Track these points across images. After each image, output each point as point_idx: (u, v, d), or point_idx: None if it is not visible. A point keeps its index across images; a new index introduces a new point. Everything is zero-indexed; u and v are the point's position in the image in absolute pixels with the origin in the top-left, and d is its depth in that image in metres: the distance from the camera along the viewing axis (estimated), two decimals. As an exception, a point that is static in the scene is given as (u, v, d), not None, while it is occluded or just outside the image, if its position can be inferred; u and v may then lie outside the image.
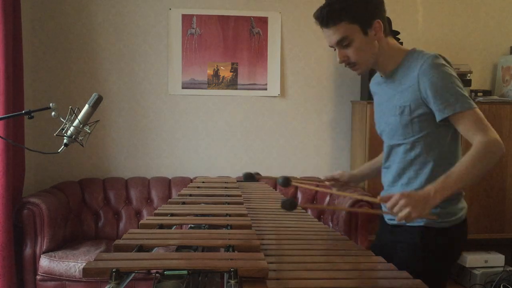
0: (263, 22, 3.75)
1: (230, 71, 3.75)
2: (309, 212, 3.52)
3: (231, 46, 3.74)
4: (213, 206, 1.88)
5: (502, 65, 3.84)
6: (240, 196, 2.11)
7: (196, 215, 1.73)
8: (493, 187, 3.48)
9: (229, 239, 1.36)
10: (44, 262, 3.01)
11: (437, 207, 1.45)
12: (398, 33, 3.14)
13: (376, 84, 1.79)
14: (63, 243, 3.23)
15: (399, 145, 1.64)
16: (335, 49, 1.61)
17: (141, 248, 1.29)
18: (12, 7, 3.06)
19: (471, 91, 3.68)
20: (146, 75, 3.72)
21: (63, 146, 1.80)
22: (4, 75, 2.95)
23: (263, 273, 1.11)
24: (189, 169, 3.77)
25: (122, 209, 3.54)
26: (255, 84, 3.77)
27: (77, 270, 2.97)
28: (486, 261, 3.51)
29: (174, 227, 1.60)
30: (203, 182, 2.52)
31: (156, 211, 1.73)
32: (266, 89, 3.78)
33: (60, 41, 3.64)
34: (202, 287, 1.46)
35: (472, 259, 3.51)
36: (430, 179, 1.55)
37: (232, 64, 3.75)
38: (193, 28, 3.71)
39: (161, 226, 1.55)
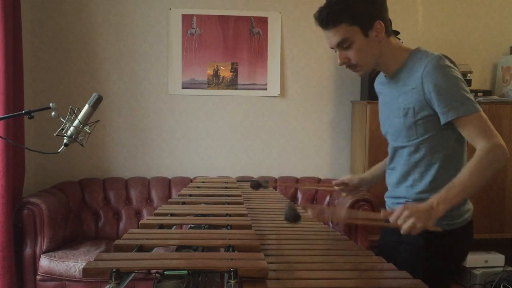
0: (263, 22, 3.75)
1: (230, 71, 3.75)
2: (309, 212, 3.52)
3: (231, 46, 3.74)
4: (213, 206, 1.88)
5: (502, 65, 3.84)
6: (240, 196, 2.11)
7: (196, 215, 1.73)
8: (493, 187, 3.48)
9: (229, 239, 1.36)
10: (44, 262, 3.01)
11: None
12: (398, 33, 3.14)
13: (380, 83, 1.76)
14: (63, 243, 3.23)
15: (403, 147, 1.61)
16: (336, 51, 1.59)
17: (141, 248, 1.29)
18: (12, 7, 3.06)
19: (471, 91, 3.67)
20: (146, 75, 3.72)
21: (63, 146, 1.80)
22: (4, 75, 2.95)
23: (263, 273, 1.11)
24: (189, 169, 3.77)
25: (122, 209, 3.54)
26: (255, 84, 3.77)
27: (77, 270, 2.97)
28: (486, 261, 3.51)
29: (174, 227, 1.60)
30: (203, 182, 2.52)
31: (156, 211, 1.73)
32: (266, 89, 3.78)
33: (60, 41, 3.64)
34: (202, 287, 1.46)
35: (472, 259, 3.51)
36: (435, 181, 1.54)
37: (232, 64, 3.75)
38: (193, 28, 3.71)
39: (161, 226, 1.55)
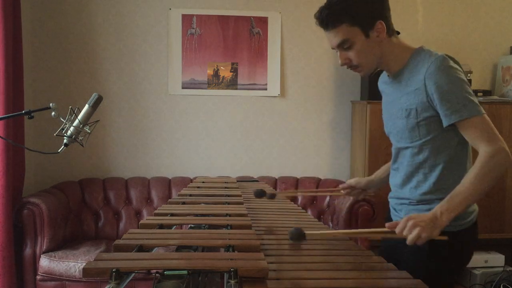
0: (263, 22, 3.75)
1: (230, 71, 3.75)
2: (309, 212, 3.52)
3: (231, 46, 3.74)
4: (213, 206, 1.88)
5: (502, 65, 3.84)
6: (240, 196, 2.10)
7: (196, 215, 1.72)
8: (493, 187, 3.47)
9: (229, 239, 1.36)
10: (44, 262, 3.01)
11: None
12: (398, 33, 3.13)
13: (383, 82, 1.73)
14: (63, 243, 3.23)
15: (406, 148, 1.60)
16: (337, 51, 1.57)
17: (141, 248, 1.29)
18: (12, 7, 3.06)
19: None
20: (146, 75, 3.72)
21: (63, 146, 1.80)
22: (4, 75, 2.95)
23: (263, 273, 1.11)
24: (189, 169, 3.77)
25: (122, 209, 3.54)
26: (255, 84, 3.77)
27: (77, 270, 2.97)
28: (486, 261, 3.51)
29: (174, 227, 1.60)
30: (203, 182, 2.52)
31: (156, 211, 1.73)
32: (266, 89, 3.78)
33: (60, 41, 3.64)
34: (202, 287, 1.46)
35: (472, 259, 3.44)
36: (439, 182, 1.53)
37: (232, 64, 3.75)
38: (193, 28, 3.71)
39: (161, 226, 1.54)
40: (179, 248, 1.41)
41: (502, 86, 3.80)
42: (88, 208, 3.51)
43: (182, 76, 3.73)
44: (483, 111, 1.45)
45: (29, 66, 3.53)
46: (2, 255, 2.94)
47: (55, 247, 3.11)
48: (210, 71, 3.74)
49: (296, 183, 3.72)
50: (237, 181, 2.65)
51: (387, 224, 1.43)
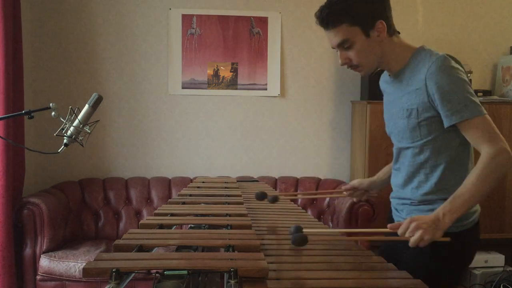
0: (263, 22, 3.75)
1: (230, 71, 3.75)
2: (309, 212, 3.52)
3: (231, 46, 3.74)
4: (213, 206, 1.88)
5: (502, 65, 3.84)
6: (240, 196, 2.10)
7: (196, 215, 1.72)
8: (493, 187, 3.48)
9: (229, 239, 1.36)
10: (44, 262, 3.01)
11: None
12: (398, 33, 3.14)
13: (384, 82, 1.72)
14: (63, 243, 3.23)
15: (407, 148, 1.59)
16: (337, 50, 1.56)
17: (141, 248, 1.29)
18: (12, 7, 3.06)
19: (471, 91, 3.68)
20: (146, 75, 3.72)
21: (63, 146, 1.80)
22: (4, 75, 2.95)
23: (263, 273, 1.11)
24: (189, 169, 3.77)
25: (122, 209, 3.54)
26: (255, 84, 3.77)
27: (77, 270, 2.97)
28: (486, 261, 3.51)
29: (174, 227, 1.60)
30: (203, 182, 2.52)
31: (156, 211, 1.73)
32: (266, 89, 3.78)
33: (60, 41, 3.64)
34: (202, 287, 1.46)
35: None
36: (440, 182, 1.53)
37: (232, 64, 3.75)
38: (193, 28, 3.71)
39: (161, 226, 1.54)
40: (179, 248, 1.41)
41: (502, 86, 3.80)
42: (88, 208, 3.51)
43: (182, 76, 3.73)
44: (485, 111, 1.44)
45: (29, 66, 3.53)
46: (2, 255, 2.94)
47: (55, 247, 3.11)
48: (210, 71, 3.74)
49: (296, 183, 3.72)
50: (237, 181, 2.65)
51: (389, 225, 1.43)
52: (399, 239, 1.40)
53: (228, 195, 2.11)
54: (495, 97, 3.68)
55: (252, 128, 3.81)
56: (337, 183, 3.67)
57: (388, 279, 1.24)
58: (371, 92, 3.45)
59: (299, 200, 3.60)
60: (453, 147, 1.52)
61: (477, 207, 1.60)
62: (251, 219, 1.67)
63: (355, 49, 1.52)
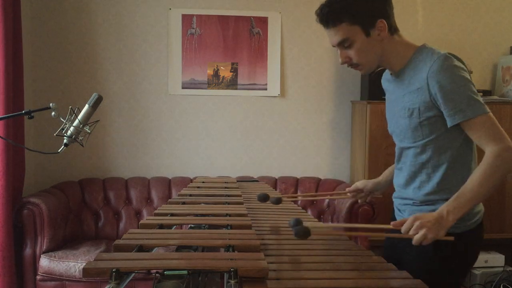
0: (263, 22, 3.75)
1: (230, 71, 3.75)
2: (309, 212, 3.52)
3: (231, 46, 3.74)
4: (213, 206, 1.88)
5: (502, 65, 3.84)
6: (240, 196, 2.10)
7: (196, 215, 1.72)
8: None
9: (229, 239, 1.36)
10: (44, 262, 3.01)
11: None
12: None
13: (386, 80, 1.70)
14: (63, 243, 3.23)
15: (409, 147, 1.58)
16: (337, 49, 1.55)
17: (141, 248, 1.29)
18: (12, 7, 3.06)
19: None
20: (146, 75, 3.72)
21: (63, 146, 1.80)
22: (4, 75, 2.95)
23: (263, 273, 1.11)
24: (189, 169, 3.77)
25: (122, 209, 3.54)
26: (255, 84, 3.77)
27: (77, 270, 2.97)
28: (486, 261, 3.51)
29: (174, 227, 1.60)
30: (203, 182, 2.52)
31: (156, 211, 1.73)
32: (266, 89, 3.78)
33: (60, 41, 3.64)
34: (202, 287, 1.46)
35: None
36: (443, 182, 1.52)
37: (232, 64, 3.75)
38: (193, 28, 3.71)
39: (161, 226, 1.54)
40: (179, 248, 1.41)
41: (502, 86, 3.80)
42: (88, 208, 3.51)
43: (182, 76, 3.73)
44: (488, 109, 1.43)
45: (29, 66, 3.53)
46: (2, 255, 2.94)
47: (55, 247, 3.11)
48: (210, 71, 3.74)
49: (296, 183, 3.72)
50: (237, 181, 2.65)
51: (392, 223, 1.43)
52: (402, 237, 1.39)
53: (228, 195, 2.11)
54: (495, 97, 3.68)
55: (252, 128, 3.81)
56: (337, 183, 3.67)
57: (388, 279, 1.24)
58: (371, 92, 3.45)
59: (299, 200, 3.60)
60: (455, 146, 1.51)
61: (481, 208, 1.58)
62: (251, 219, 1.67)
63: (355, 48, 1.51)
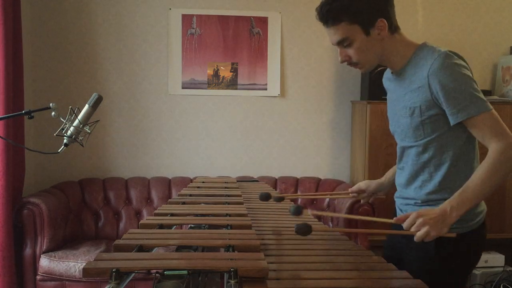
0: (263, 22, 3.75)
1: (230, 71, 3.75)
2: (309, 212, 3.52)
3: (231, 46, 3.74)
4: (213, 206, 1.88)
5: (502, 65, 3.84)
6: (240, 196, 2.10)
7: (196, 215, 1.72)
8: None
9: (229, 239, 1.36)
10: (44, 262, 3.01)
11: None
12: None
13: (387, 79, 1.69)
14: (63, 243, 3.23)
15: (411, 147, 1.56)
16: (337, 47, 1.55)
17: (141, 248, 1.29)
18: (12, 7, 3.06)
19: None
20: (146, 75, 3.72)
21: (63, 146, 1.81)
22: (4, 75, 2.95)
23: (263, 273, 1.11)
24: (189, 169, 3.77)
25: (122, 209, 3.54)
26: (255, 84, 3.77)
27: (77, 270, 2.97)
28: (486, 261, 3.51)
29: (174, 227, 1.60)
30: (203, 182, 2.52)
31: (156, 211, 1.73)
32: (266, 89, 3.78)
33: (60, 41, 3.64)
34: (202, 287, 1.46)
35: None
36: (445, 181, 1.50)
37: (232, 64, 3.75)
38: (193, 28, 3.71)
39: (161, 226, 1.54)
40: (179, 248, 1.41)
41: (502, 86, 3.80)
42: (88, 208, 3.51)
43: (182, 76, 3.73)
44: (491, 106, 1.42)
45: (29, 66, 3.53)
46: (2, 255, 2.94)
47: (55, 247, 3.11)
48: (210, 71, 3.74)
49: (296, 183, 3.72)
50: (237, 181, 2.65)
51: (395, 218, 1.42)
52: (404, 233, 1.38)
53: (228, 195, 2.11)
54: (495, 97, 3.67)
55: (252, 128, 3.81)
56: (337, 183, 3.67)
57: (388, 279, 1.24)
58: (371, 92, 3.45)
59: (299, 200, 3.60)
60: (458, 145, 1.50)
61: (483, 207, 1.57)
62: (251, 219, 1.67)
63: (354, 47, 1.50)
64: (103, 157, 3.72)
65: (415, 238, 1.34)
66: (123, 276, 1.10)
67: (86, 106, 1.83)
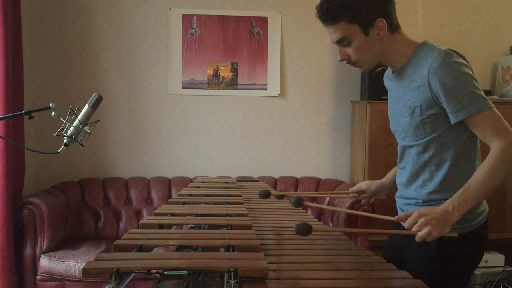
0: (263, 22, 3.75)
1: (230, 71, 3.75)
2: (309, 212, 3.52)
3: (231, 46, 3.74)
4: (213, 206, 1.88)
5: (502, 65, 3.84)
6: (240, 196, 2.10)
7: (196, 215, 1.72)
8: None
9: (229, 239, 1.36)
10: (44, 262, 3.01)
11: None
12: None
13: (388, 78, 1.69)
14: (63, 243, 3.23)
15: (411, 146, 1.56)
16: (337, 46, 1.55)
17: (141, 248, 1.29)
18: (12, 7, 3.06)
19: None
20: (146, 75, 3.72)
21: (63, 146, 1.81)
22: (4, 74, 2.95)
23: (263, 273, 1.11)
24: (189, 169, 3.77)
25: (122, 209, 3.54)
26: (255, 84, 3.77)
27: (77, 270, 2.97)
28: (486, 261, 3.51)
29: (174, 227, 1.60)
30: (203, 182, 2.52)
31: (156, 211, 1.73)
32: (266, 89, 3.78)
33: (60, 40, 3.64)
34: (202, 287, 1.46)
35: None
36: (446, 180, 1.50)
37: (232, 64, 3.75)
38: (193, 28, 3.71)
39: (161, 226, 1.54)
40: (179, 248, 1.41)
41: (502, 86, 3.80)
42: (88, 208, 3.51)
43: (182, 76, 3.73)
44: (492, 104, 1.42)
45: (29, 66, 3.53)
46: (2, 255, 2.94)
47: (55, 247, 3.11)
48: (210, 71, 3.74)
49: (296, 183, 3.72)
50: (237, 181, 2.65)
51: (397, 217, 1.42)
52: (406, 233, 1.38)
53: (228, 195, 2.11)
54: (495, 97, 3.68)
55: (252, 128, 3.81)
56: (337, 183, 3.67)
57: (388, 279, 1.24)
58: (371, 92, 3.45)
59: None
60: (459, 143, 1.49)
61: (485, 207, 1.56)
62: (251, 219, 1.67)
63: (353, 46, 1.50)
64: (103, 157, 3.72)
65: (417, 238, 1.34)
66: (123, 276, 1.10)
67: (86, 106, 1.83)
